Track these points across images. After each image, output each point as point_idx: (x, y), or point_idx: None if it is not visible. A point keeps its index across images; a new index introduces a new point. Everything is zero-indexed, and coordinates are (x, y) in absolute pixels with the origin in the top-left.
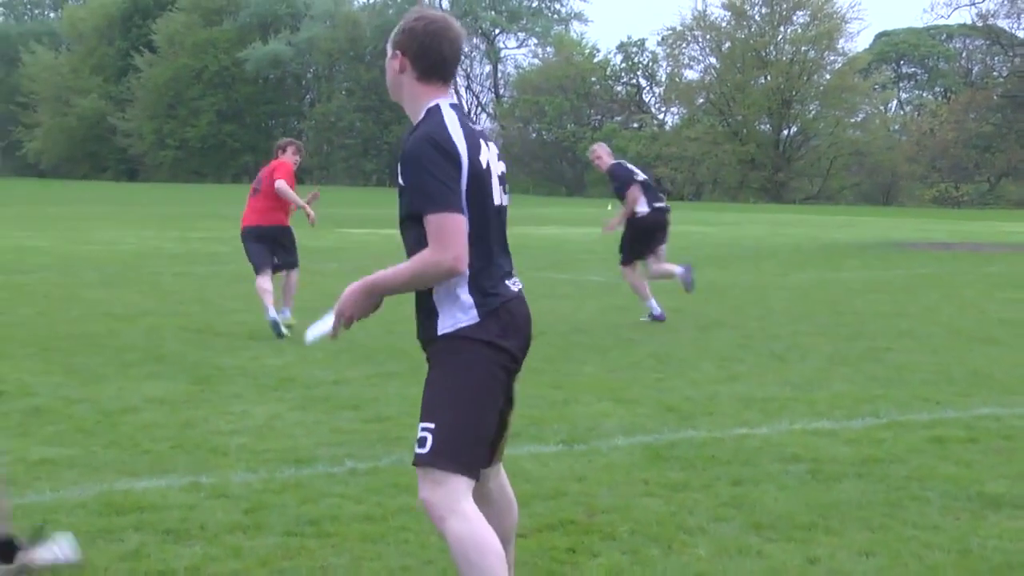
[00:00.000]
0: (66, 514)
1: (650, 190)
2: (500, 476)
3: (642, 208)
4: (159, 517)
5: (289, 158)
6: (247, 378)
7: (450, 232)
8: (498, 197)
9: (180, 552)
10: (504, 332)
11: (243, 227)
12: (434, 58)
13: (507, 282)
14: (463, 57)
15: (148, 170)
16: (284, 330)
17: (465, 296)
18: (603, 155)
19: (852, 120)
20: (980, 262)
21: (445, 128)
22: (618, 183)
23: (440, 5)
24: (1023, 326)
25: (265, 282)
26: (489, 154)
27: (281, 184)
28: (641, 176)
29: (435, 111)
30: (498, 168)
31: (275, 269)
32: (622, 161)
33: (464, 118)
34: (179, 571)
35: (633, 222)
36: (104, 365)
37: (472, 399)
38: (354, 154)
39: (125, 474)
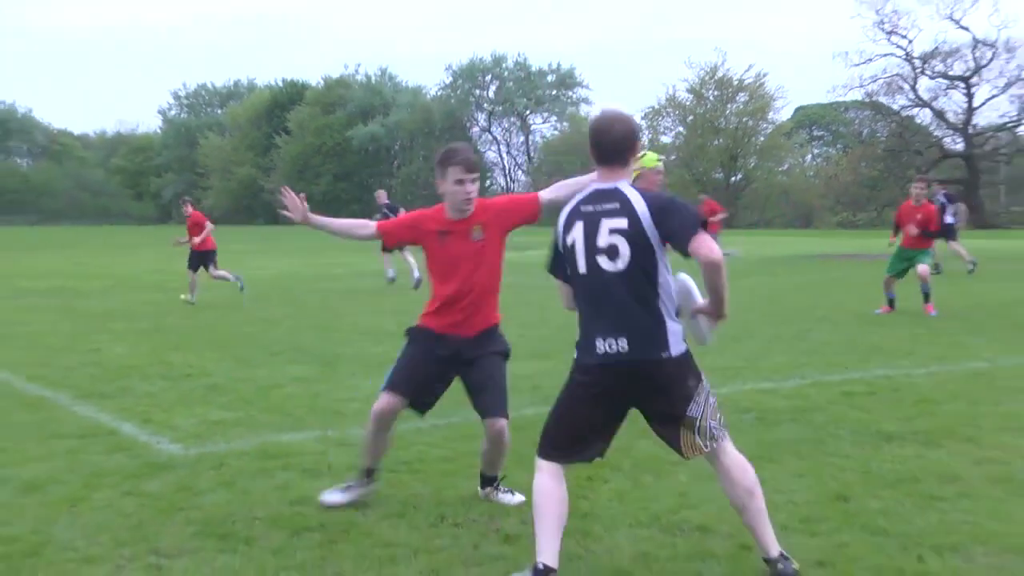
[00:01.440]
0: (235, 459)
1: None
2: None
3: None
4: (299, 460)
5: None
6: (357, 362)
7: None
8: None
9: (314, 485)
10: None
11: None
12: None
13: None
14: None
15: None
16: None
17: None
18: None
19: (780, 169)
20: (872, 267)
21: None
22: None
23: (488, 95)
24: (903, 313)
25: None
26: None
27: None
28: None
29: None
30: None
31: None
32: None
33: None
34: (312, 499)
35: None
36: (258, 354)
37: None
38: (428, 202)
39: (275, 430)
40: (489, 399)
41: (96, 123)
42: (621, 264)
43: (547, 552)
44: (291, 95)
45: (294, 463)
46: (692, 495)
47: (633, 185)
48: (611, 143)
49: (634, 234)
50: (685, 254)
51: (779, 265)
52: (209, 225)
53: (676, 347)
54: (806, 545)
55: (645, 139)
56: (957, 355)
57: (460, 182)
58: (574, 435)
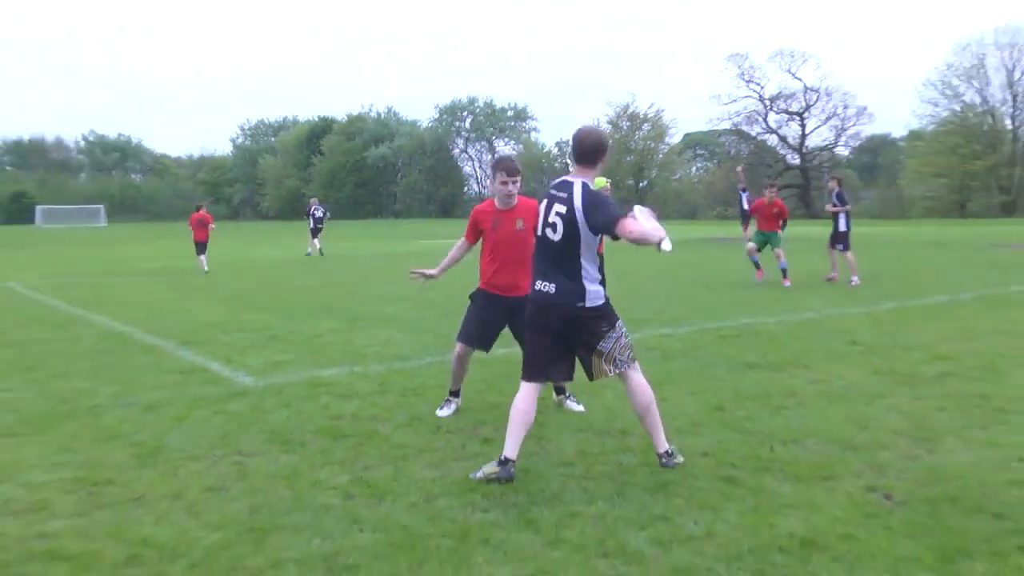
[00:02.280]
0: (291, 388)
1: None
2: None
3: None
4: (335, 388)
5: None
6: (376, 318)
7: None
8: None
9: (346, 405)
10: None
11: None
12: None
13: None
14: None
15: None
16: None
17: None
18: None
19: (674, 178)
20: (739, 248)
21: None
22: None
23: (465, 125)
24: (762, 281)
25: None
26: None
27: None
28: None
29: None
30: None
31: None
32: None
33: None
34: (346, 415)
35: None
36: (303, 313)
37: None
38: (421, 202)
39: (318, 367)
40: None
41: (186, 148)
42: (556, 237)
43: (510, 448)
44: (323, 127)
45: (332, 390)
46: (615, 409)
47: (585, 183)
48: (583, 149)
49: (568, 218)
50: (615, 238)
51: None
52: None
53: (591, 301)
54: (695, 442)
55: None
56: (797, 308)
57: (504, 183)
58: (537, 360)
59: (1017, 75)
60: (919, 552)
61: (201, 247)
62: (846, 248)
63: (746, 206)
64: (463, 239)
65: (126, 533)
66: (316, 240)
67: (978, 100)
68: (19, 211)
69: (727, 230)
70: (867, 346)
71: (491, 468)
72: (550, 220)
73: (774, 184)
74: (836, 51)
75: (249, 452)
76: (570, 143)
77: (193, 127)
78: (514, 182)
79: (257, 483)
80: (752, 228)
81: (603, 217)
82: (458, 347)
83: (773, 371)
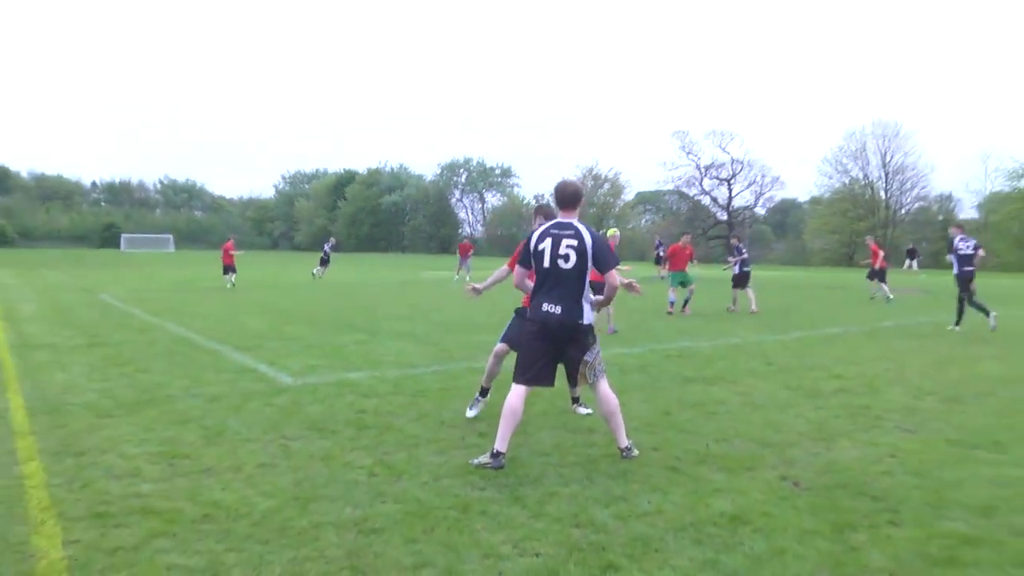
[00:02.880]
0: (323, 387)
1: None
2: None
3: None
4: (360, 388)
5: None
6: (391, 333)
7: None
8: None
9: (367, 402)
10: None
11: None
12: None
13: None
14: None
15: (345, 248)
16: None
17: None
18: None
19: (628, 227)
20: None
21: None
22: None
23: (461, 180)
24: (696, 314)
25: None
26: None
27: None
28: None
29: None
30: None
31: None
32: None
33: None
34: (368, 410)
35: None
36: (331, 327)
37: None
38: (424, 240)
39: (344, 371)
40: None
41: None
42: (568, 266)
43: (500, 443)
44: (348, 177)
45: (357, 390)
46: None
47: (567, 223)
48: (565, 196)
49: (581, 251)
50: (603, 273)
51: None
52: (234, 251)
53: (587, 319)
54: (648, 439)
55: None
56: (725, 335)
57: (541, 224)
58: (531, 367)
59: (888, 158)
60: (819, 526)
61: (229, 268)
62: (744, 286)
63: (661, 253)
64: (507, 267)
65: (200, 496)
66: (323, 267)
67: (861, 175)
68: (109, 238)
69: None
70: (779, 366)
71: (485, 459)
72: (561, 252)
73: (688, 233)
74: (757, 131)
75: (292, 437)
76: (555, 192)
77: (244, 174)
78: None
79: (299, 462)
80: (666, 269)
81: (604, 260)
82: (499, 346)
83: (708, 384)
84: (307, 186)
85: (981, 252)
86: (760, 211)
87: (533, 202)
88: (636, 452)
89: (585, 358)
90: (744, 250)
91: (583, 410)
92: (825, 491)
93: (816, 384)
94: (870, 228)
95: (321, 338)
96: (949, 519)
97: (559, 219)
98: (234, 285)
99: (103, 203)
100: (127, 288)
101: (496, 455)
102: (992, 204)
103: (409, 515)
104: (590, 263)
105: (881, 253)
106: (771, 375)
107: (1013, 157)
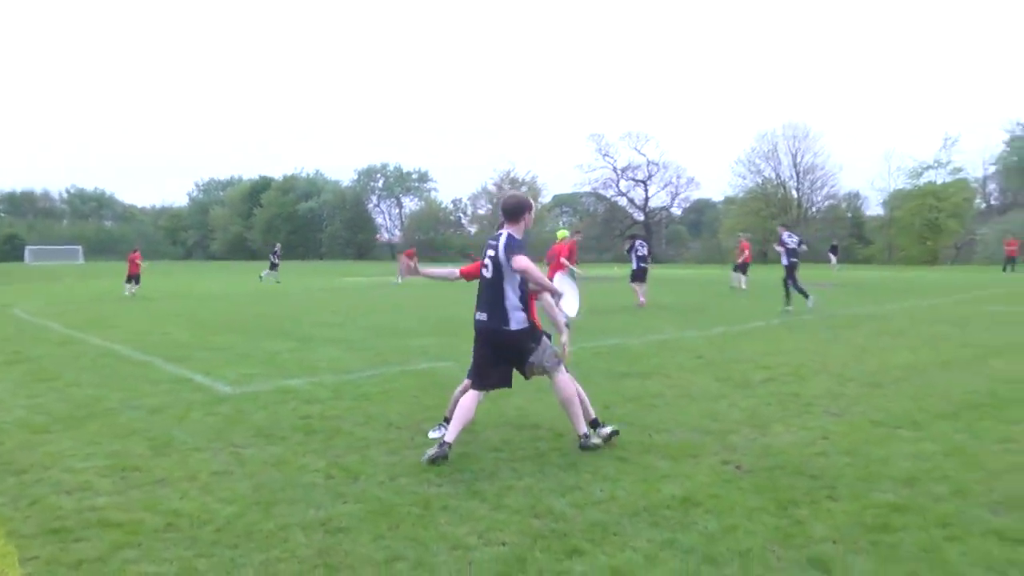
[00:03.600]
0: (264, 395)
1: None
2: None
3: None
4: (300, 394)
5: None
6: (323, 339)
7: None
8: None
9: (311, 408)
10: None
11: None
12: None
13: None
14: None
15: (261, 255)
16: None
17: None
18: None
19: (545, 230)
20: (597, 283)
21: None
22: None
23: (379, 185)
24: (624, 311)
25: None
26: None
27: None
28: None
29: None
30: (485, 258)
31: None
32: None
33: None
34: (314, 415)
35: None
36: (262, 335)
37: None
38: (341, 246)
39: (282, 378)
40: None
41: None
42: (489, 274)
43: (450, 434)
44: (263, 184)
45: (298, 396)
46: (527, 408)
47: (511, 234)
48: (506, 209)
49: (496, 261)
50: (508, 262)
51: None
52: (140, 261)
53: (516, 325)
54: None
55: (471, 211)
56: (652, 332)
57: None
58: (480, 370)
59: (799, 158)
60: (764, 503)
61: (132, 278)
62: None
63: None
64: (458, 271)
65: (158, 506)
66: (273, 271)
67: (773, 176)
68: (11, 251)
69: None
70: (708, 360)
71: (432, 450)
72: (485, 262)
73: (579, 231)
74: (672, 133)
75: (242, 444)
76: (500, 204)
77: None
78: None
79: (254, 468)
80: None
81: (508, 252)
82: (467, 381)
83: (642, 379)
84: (222, 193)
85: (804, 247)
86: (676, 211)
87: (451, 207)
88: (596, 440)
89: (530, 360)
90: (643, 247)
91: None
92: (766, 472)
93: (745, 375)
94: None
95: (252, 346)
96: (880, 491)
97: (500, 230)
98: (133, 295)
99: (2, 214)
100: (39, 302)
101: (442, 444)
102: (895, 201)
103: (372, 513)
104: (506, 270)
105: (748, 250)
106: (701, 368)
107: (913, 156)
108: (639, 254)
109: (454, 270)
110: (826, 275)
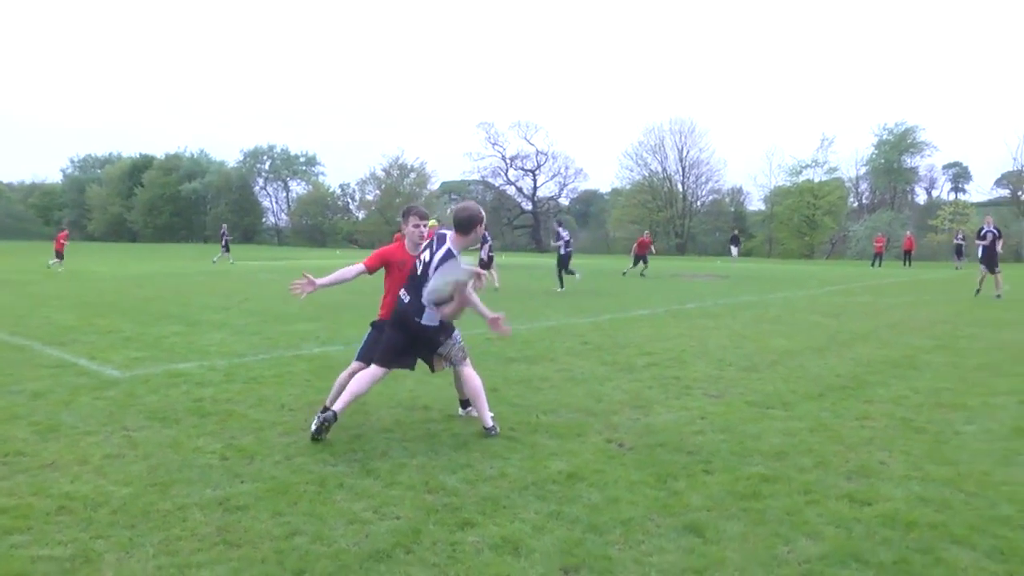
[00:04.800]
0: (154, 378)
1: None
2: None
3: None
4: (191, 377)
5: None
6: (211, 323)
7: None
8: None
9: (203, 391)
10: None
11: None
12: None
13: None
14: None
15: (142, 237)
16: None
17: None
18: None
19: (433, 217)
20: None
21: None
22: None
23: (265, 168)
24: (516, 298)
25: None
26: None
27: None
28: None
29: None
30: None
31: None
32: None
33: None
34: (206, 398)
35: None
36: (148, 319)
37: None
38: (230, 231)
39: (172, 362)
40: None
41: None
42: (420, 268)
43: (338, 404)
44: (144, 163)
45: (189, 379)
46: (417, 391)
47: (445, 235)
48: (457, 220)
49: (428, 264)
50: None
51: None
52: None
53: (427, 320)
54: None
55: (359, 196)
56: (540, 318)
57: (416, 225)
58: (389, 350)
59: (685, 153)
60: (645, 477)
61: (59, 254)
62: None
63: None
64: (362, 265)
65: (48, 490)
66: (226, 253)
67: (660, 169)
68: None
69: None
70: (595, 345)
71: (315, 421)
72: (422, 255)
73: (440, 222)
74: (561, 124)
75: (134, 427)
76: (453, 215)
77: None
78: (425, 225)
79: (148, 450)
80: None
81: (434, 281)
82: (355, 364)
83: (530, 363)
84: (99, 171)
85: (572, 242)
86: (564, 201)
87: (339, 191)
88: (498, 430)
89: (439, 351)
90: (564, 234)
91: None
92: (647, 450)
93: (629, 360)
94: (669, 218)
95: (138, 330)
96: (751, 464)
97: (447, 233)
98: (54, 270)
99: None
100: None
101: (325, 409)
102: (776, 197)
103: (270, 492)
104: (432, 271)
105: (647, 242)
106: (588, 353)
107: (792, 155)
108: (566, 239)
109: (352, 269)
110: (711, 266)
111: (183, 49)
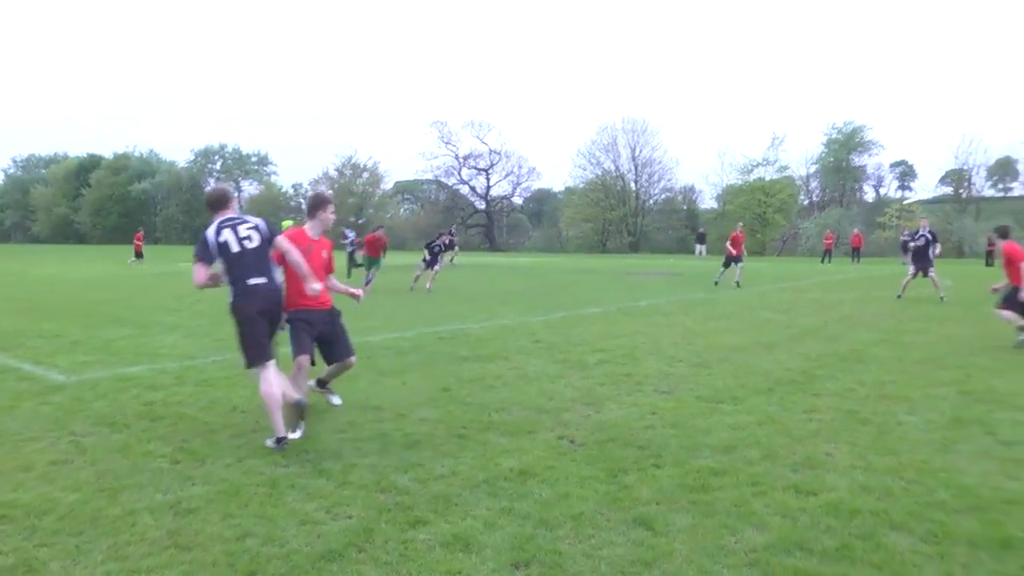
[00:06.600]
0: (102, 383)
1: None
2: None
3: None
4: (141, 381)
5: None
6: (162, 326)
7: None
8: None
9: (154, 394)
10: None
11: None
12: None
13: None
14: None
15: (91, 239)
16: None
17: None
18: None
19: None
20: (479, 268)
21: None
22: None
23: (216, 167)
24: (454, 295)
25: None
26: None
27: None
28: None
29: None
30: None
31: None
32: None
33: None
34: (157, 402)
35: None
36: (97, 322)
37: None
38: (178, 231)
39: (121, 366)
40: (345, 345)
41: None
42: (255, 243)
43: (280, 428)
44: (92, 163)
45: (139, 383)
46: (369, 392)
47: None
48: (310, 206)
49: (258, 228)
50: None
51: (391, 271)
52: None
53: (278, 283)
54: (433, 413)
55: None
56: (493, 317)
57: (333, 213)
58: (261, 342)
59: (638, 151)
60: (595, 473)
61: (139, 254)
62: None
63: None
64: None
65: None
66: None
67: (613, 168)
68: None
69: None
70: (547, 343)
71: (271, 443)
72: (247, 234)
73: (382, 226)
74: (514, 123)
75: (82, 433)
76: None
77: None
78: (333, 212)
79: (96, 456)
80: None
81: (270, 230)
82: (301, 359)
83: (483, 362)
84: (44, 171)
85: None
86: (518, 200)
87: (291, 191)
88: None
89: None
90: (351, 233)
91: (334, 399)
92: (598, 446)
93: (581, 357)
94: (622, 216)
95: (87, 334)
96: (701, 458)
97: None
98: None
99: None
100: None
101: (281, 440)
102: (728, 195)
103: (221, 494)
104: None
105: (742, 237)
106: (540, 351)
107: (744, 154)
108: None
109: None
110: (664, 264)
111: (131, 46)
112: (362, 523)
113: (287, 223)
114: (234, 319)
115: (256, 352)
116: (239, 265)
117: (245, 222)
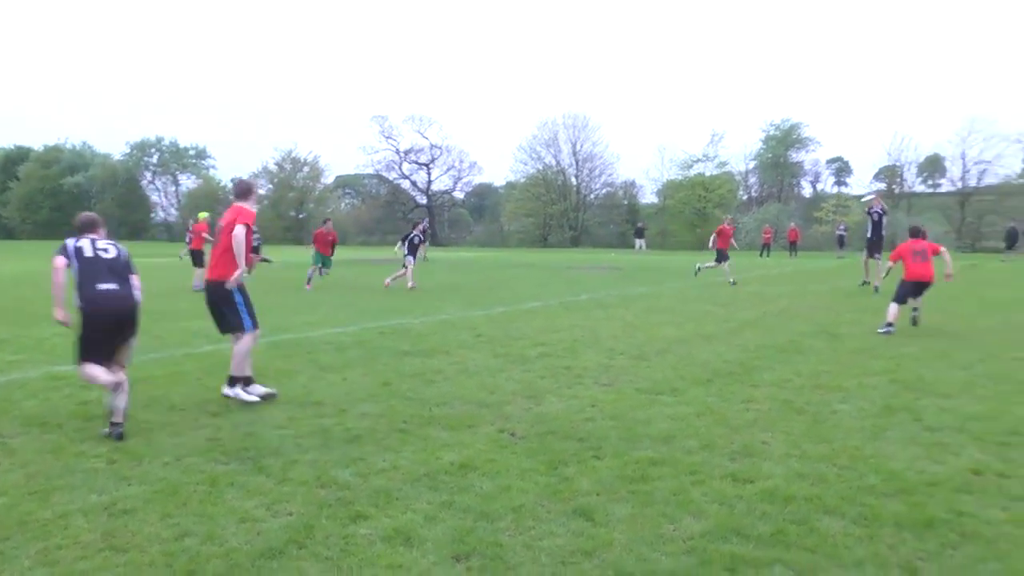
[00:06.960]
0: (33, 382)
1: None
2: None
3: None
4: (73, 381)
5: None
6: None
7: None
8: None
9: (88, 394)
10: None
11: None
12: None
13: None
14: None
15: (20, 234)
16: None
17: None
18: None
19: (328, 210)
20: (378, 266)
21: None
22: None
23: (153, 160)
24: (400, 293)
25: None
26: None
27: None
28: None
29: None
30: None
31: None
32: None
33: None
34: (92, 401)
35: None
36: (27, 320)
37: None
38: (113, 226)
39: (52, 365)
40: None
41: None
42: (114, 253)
43: (119, 415)
44: (20, 155)
45: (72, 383)
46: (310, 387)
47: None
48: (236, 191)
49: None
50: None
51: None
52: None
53: (137, 296)
54: (374, 408)
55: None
56: (434, 312)
57: (260, 199)
58: (100, 344)
59: (579, 147)
60: (536, 465)
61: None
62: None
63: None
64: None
65: None
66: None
67: (554, 163)
68: None
69: (369, 254)
70: (488, 337)
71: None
72: (104, 246)
73: (329, 219)
74: (455, 118)
75: (10, 435)
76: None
77: None
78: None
79: (26, 457)
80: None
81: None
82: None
83: (424, 357)
84: None
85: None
86: (459, 195)
87: (230, 185)
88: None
89: (131, 342)
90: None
91: (260, 390)
92: (538, 438)
93: (522, 351)
94: (564, 211)
95: (15, 332)
96: (640, 449)
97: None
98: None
99: None
100: None
101: (115, 425)
102: (668, 191)
103: (159, 493)
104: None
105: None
106: (481, 345)
107: (684, 150)
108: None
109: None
110: (605, 258)
111: (62, 36)
112: (302, 519)
113: (203, 215)
114: (80, 320)
115: (90, 354)
116: (91, 270)
117: (108, 241)
